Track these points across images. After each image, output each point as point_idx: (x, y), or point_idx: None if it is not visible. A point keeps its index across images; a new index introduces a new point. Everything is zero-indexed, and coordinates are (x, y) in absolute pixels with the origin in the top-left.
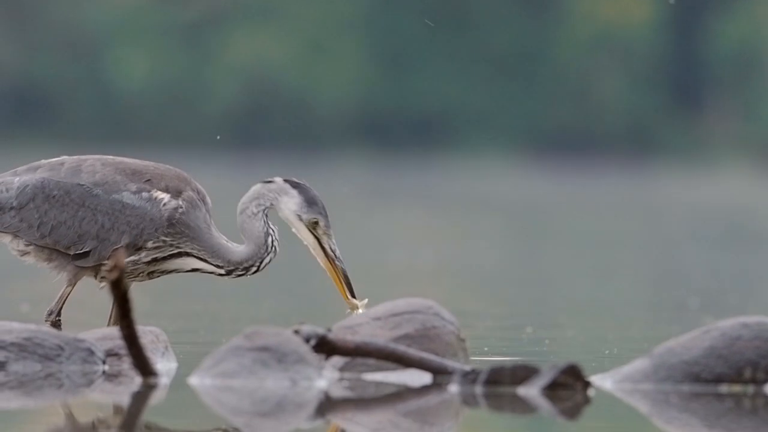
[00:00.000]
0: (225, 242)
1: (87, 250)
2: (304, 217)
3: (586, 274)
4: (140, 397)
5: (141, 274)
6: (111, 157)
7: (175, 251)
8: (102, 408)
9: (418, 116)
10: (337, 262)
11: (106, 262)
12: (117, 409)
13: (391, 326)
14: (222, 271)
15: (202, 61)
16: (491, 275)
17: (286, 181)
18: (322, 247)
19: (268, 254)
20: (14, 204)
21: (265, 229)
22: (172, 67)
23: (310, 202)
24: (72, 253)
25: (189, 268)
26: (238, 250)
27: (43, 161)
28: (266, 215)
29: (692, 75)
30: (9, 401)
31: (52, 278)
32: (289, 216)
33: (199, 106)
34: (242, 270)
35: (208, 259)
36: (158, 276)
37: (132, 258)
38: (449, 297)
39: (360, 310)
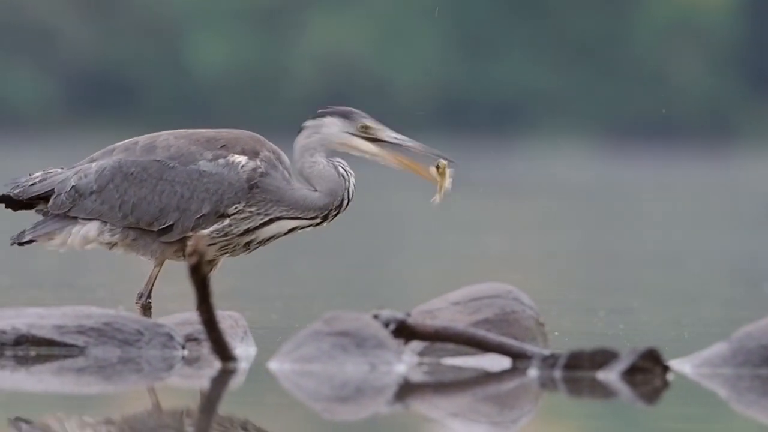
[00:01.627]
0: (308, 192)
1: (170, 223)
2: (353, 128)
3: (663, 258)
4: (219, 382)
5: (237, 247)
6: (184, 130)
7: (266, 219)
8: (181, 393)
9: (496, 101)
10: (408, 144)
11: (190, 234)
12: (196, 394)
13: (470, 311)
14: (318, 220)
15: (281, 45)
16: (568, 260)
17: (313, 118)
18: (386, 141)
19: (347, 180)
20: (94, 188)
21: (330, 164)
22: (251, 52)
23: (347, 114)
24: (156, 229)
25: (286, 230)
26: (317, 195)
27: (118, 144)
28: (323, 155)
29: None
30: (89, 386)
31: (137, 264)
32: (341, 140)
33: (277, 90)
34: (335, 209)
35: (300, 215)
36: (256, 247)
37: (215, 226)
38: (525, 282)
39: (448, 179)
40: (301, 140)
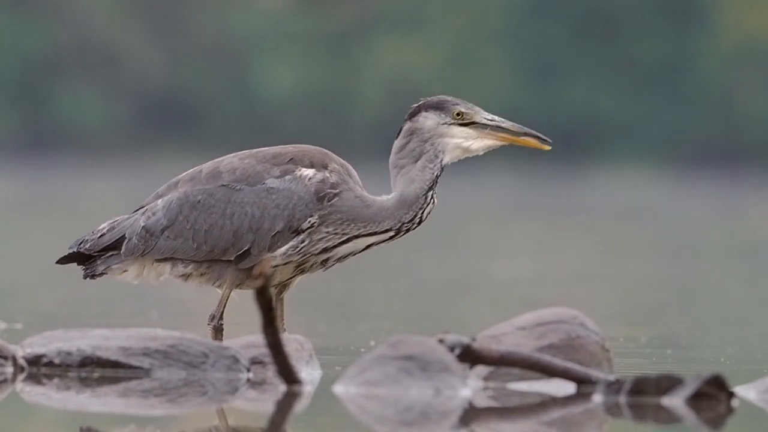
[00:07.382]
0: (381, 204)
1: (246, 247)
2: (449, 118)
3: (712, 284)
4: (284, 405)
5: (314, 265)
6: (247, 150)
7: (345, 238)
8: (246, 416)
9: (563, 127)
10: (503, 124)
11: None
12: (261, 417)
13: (535, 336)
14: (392, 233)
15: (348, 70)
16: (633, 287)
17: (406, 120)
18: (482, 124)
19: (427, 204)
20: (164, 223)
21: (429, 182)
22: (317, 76)
23: (439, 105)
24: (233, 257)
25: (363, 247)
26: (392, 204)
27: (182, 175)
28: (444, 161)
29: None
30: (153, 408)
31: (186, 286)
32: (439, 131)
33: (344, 115)
34: (407, 223)
35: (376, 230)
36: (332, 264)
37: (291, 243)
38: (589, 308)
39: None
40: (399, 143)
